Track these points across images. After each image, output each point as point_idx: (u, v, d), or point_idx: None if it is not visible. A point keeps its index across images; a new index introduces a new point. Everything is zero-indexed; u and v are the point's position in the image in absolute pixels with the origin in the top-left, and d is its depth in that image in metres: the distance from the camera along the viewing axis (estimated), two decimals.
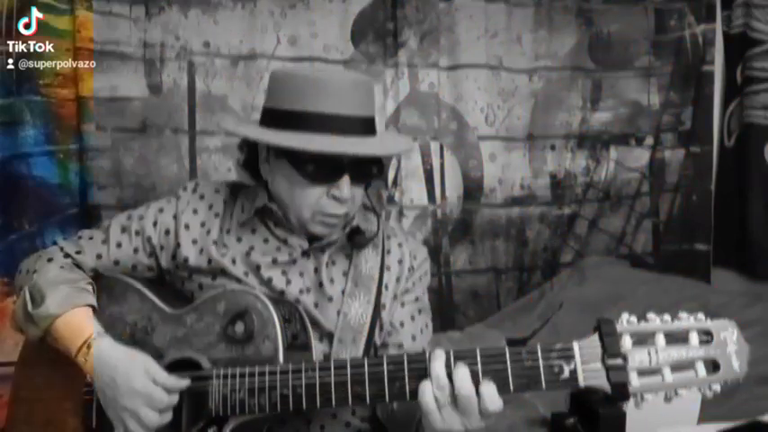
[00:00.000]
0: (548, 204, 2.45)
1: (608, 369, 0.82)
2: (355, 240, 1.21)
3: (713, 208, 2.48)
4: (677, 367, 0.81)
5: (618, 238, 2.51)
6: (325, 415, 1.16)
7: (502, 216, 2.38)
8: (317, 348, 1.15)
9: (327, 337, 1.16)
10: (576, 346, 0.86)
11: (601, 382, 0.83)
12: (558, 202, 2.46)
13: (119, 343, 1.10)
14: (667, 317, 0.83)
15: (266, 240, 1.21)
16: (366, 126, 1.14)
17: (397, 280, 1.24)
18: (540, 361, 0.87)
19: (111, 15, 1.98)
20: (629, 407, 1.43)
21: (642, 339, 0.83)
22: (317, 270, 1.20)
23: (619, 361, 0.82)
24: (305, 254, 1.20)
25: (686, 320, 0.83)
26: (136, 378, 1.04)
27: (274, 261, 1.18)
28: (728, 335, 0.82)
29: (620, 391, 0.82)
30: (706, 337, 0.82)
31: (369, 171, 1.14)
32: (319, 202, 1.13)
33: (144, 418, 1.03)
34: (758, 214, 2.40)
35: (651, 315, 0.84)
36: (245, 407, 1.03)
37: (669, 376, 0.81)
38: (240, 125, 1.29)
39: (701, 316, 0.84)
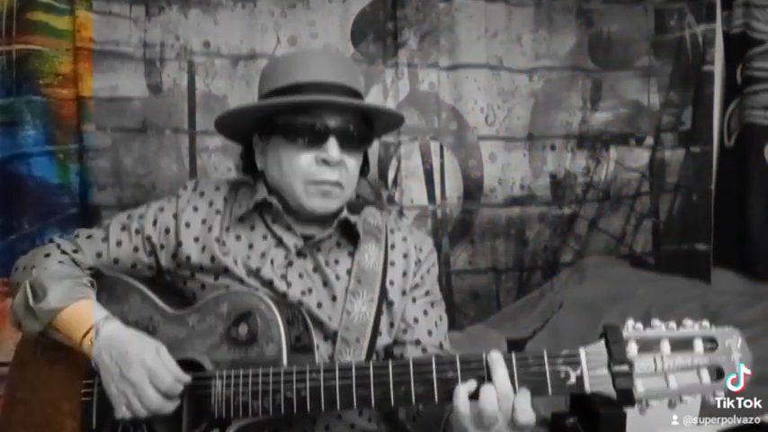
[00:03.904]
0: (548, 204, 2.45)
1: (614, 376, 0.83)
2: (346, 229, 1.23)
3: (713, 208, 2.48)
4: (682, 374, 0.82)
5: (618, 238, 2.51)
6: (331, 416, 1.16)
7: (502, 216, 2.38)
8: (322, 348, 1.15)
9: (332, 336, 1.16)
10: (582, 352, 0.86)
11: (607, 388, 0.84)
12: (558, 202, 2.45)
13: None
14: (673, 324, 0.84)
15: (265, 237, 1.21)
16: (351, 93, 1.18)
17: (404, 274, 1.23)
18: (547, 366, 0.87)
19: (111, 15, 1.98)
20: (632, 410, 1.44)
21: (647, 346, 0.83)
22: (315, 269, 1.20)
23: (625, 367, 0.82)
24: (300, 254, 1.20)
25: (691, 327, 0.84)
26: (147, 353, 1.05)
27: (272, 263, 1.18)
28: (733, 342, 0.83)
29: (626, 398, 0.83)
30: (711, 344, 0.83)
31: (356, 135, 1.17)
32: (310, 170, 1.15)
33: (145, 395, 1.02)
34: (758, 214, 2.40)
35: (656, 322, 0.84)
36: (248, 409, 1.02)
37: (674, 383, 0.82)
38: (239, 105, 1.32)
39: (705, 323, 0.84)
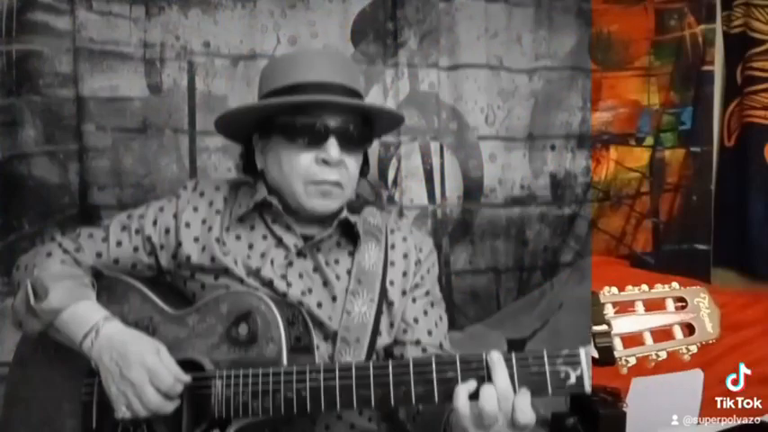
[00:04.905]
0: (548, 204, 2.45)
1: (594, 336, 0.87)
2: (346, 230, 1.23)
3: (713, 208, 2.48)
4: (657, 332, 0.88)
5: (618, 238, 2.51)
6: (331, 416, 1.16)
7: (502, 216, 2.38)
8: (322, 349, 1.15)
9: (332, 337, 1.16)
10: (582, 352, 0.88)
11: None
12: (558, 202, 2.46)
13: None
14: (645, 287, 0.90)
15: (264, 237, 1.21)
16: (351, 93, 1.19)
17: (404, 275, 1.23)
18: (547, 367, 0.88)
19: (111, 15, 1.98)
20: (629, 409, 1.46)
21: (623, 308, 0.89)
22: (316, 269, 1.20)
23: (604, 327, 0.87)
24: (300, 254, 1.20)
25: (662, 289, 0.90)
26: (147, 354, 1.05)
27: (272, 263, 1.18)
28: (701, 300, 0.90)
29: (607, 356, 0.87)
30: (681, 303, 0.89)
31: (356, 135, 1.17)
32: (310, 170, 1.15)
33: (145, 395, 1.03)
34: (758, 214, 2.40)
35: (629, 286, 0.90)
36: (248, 409, 1.02)
37: (650, 340, 0.87)
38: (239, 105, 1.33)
39: (675, 285, 0.90)
